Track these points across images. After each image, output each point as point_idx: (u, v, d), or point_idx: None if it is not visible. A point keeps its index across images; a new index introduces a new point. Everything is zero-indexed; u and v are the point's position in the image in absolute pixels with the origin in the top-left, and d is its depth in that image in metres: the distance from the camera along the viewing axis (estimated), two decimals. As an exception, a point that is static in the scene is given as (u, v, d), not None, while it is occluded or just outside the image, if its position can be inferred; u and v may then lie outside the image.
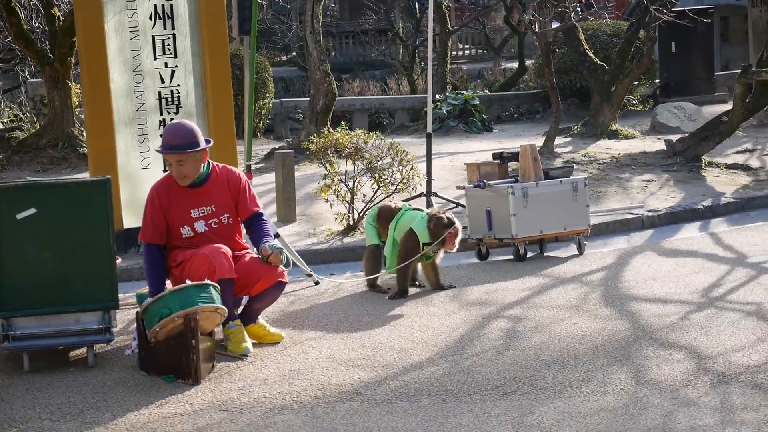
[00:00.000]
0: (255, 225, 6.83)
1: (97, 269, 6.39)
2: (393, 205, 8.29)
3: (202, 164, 6.73)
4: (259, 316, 6.86)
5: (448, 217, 7.89)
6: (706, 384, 5.72)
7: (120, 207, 8.99)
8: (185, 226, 6.71)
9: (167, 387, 6.00)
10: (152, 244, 6.73)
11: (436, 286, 8.05)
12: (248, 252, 6.90)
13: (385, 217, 8.18)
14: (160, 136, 9.14)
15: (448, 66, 21.66)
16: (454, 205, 10.76)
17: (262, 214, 6.89)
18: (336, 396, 5.78)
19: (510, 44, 26.59)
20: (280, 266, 6.70)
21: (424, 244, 7.85)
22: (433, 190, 10.38)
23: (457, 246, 7.94)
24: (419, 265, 8.12)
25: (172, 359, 6.10)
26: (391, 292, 7.96)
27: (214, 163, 6.93)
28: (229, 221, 6.82)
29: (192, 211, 6.73)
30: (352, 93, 22.16)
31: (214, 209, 6.77)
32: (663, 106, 17.21)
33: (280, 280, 6.75)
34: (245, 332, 6.66)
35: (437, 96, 18.04)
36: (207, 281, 6.33)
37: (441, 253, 8.07)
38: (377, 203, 8.58)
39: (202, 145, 6.70)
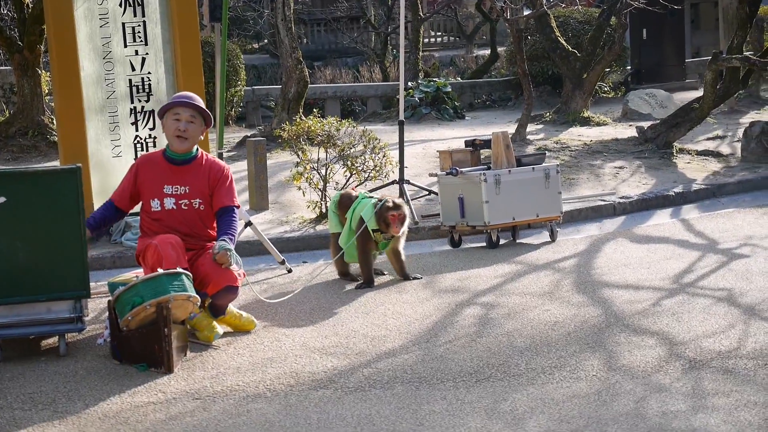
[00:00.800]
0: (223, 219, 6.77)
1: (69, 258, 6.35)
2: (353, 193, 8.27)
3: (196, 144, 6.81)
4: (230, 305, 6.83)
5: (394, 202, 7.85)
6: (677, 370, 5.75)
7: (91, 195, 8.94)
8: (155, 199, 6.73)
9: (140, 376, 5.98)
10: (113, 201, 6.90)
11: (401, 275, 8.03)
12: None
13: (345, 204, 8.16)
14: (131, 124, 9.11)
15: (421, 53, 21.66)
16: (427, 193, 10.77)
17: (233, 209, 6.80)
18: (309, 384, 5.78)
19: (482, 31, 26.61)
20: (230, 267, 6.58)
21: (373, 231, 7.82)
22: (405, 178, 10.39)
23: (403, 230, 7.84)
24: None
25: (144, 348, 6.08)
26: (357, 282, 7.95)
27: (203, 151, 6.93)
28: (200, 207, 6.77)
29: (166, 186, 6.73)
30: (325, 80, 22.12)
31: (187, 190, 6.74)
32: (634, 93, 17.28)
33: (228, 284, 6.57)
34: (212, 319, 6.64)
35: (409, 83, 18.03)
36: (180, 269, 6.30)
37: (402, 242, 8.02)
38: (341, 190, 8.55)
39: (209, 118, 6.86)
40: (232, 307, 6.84)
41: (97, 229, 6.86)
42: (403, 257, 8.05)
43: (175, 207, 6.73)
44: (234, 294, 6.67)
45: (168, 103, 6.85)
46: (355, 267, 8.20)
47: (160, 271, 6.22)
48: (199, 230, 6.79)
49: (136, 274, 6.71)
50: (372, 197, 8.11)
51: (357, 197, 8.13)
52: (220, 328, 6.64)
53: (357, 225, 7.89)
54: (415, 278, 8.02)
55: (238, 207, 6.87)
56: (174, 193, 6.74)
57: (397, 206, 7.81)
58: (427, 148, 13.57)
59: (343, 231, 8.06)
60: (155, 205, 6.72)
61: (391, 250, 8.00)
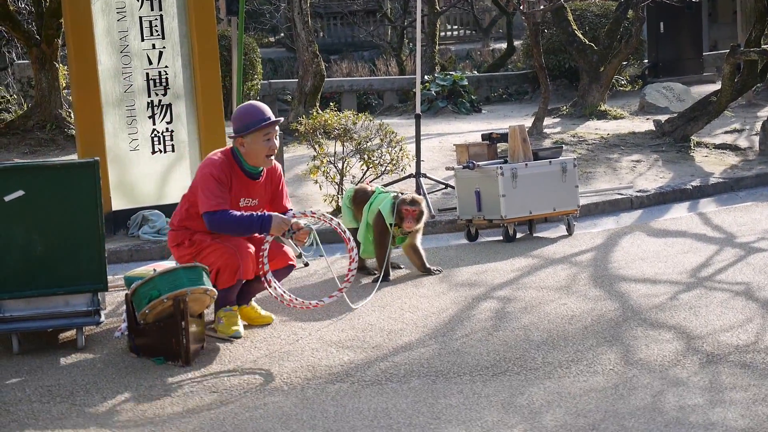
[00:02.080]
0: None
1: (86, 251, 6.37)
2: (369, 188, 8.22)
3: None
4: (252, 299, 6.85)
5: (412, 197, 7.82)
6: (695, 364, 5.73)
7: (108, 189, 8.99)
8: (243, 199, 6.61)
9: (157, 369, 6.00)
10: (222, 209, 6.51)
11: (422, 270, 7.99)
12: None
13: (360, 199, 8.11)
14: (149, 117, 9.12)
15: (437, 47, 21.63)
16: (444, 186, 10.75)
17: (290, 210, 6.83)
18: (326, 377, 5.78)
19: (498, 25, 26.56)
20: (300, 248, 6.64)
21: (391, 225, 7.78)
22: (422, 172, 10.38)
23: (417, 225, 7.80)
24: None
25: (161, 341, 6.09)
26: (374, 276, 7.94)
27: None
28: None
29: (241, 200, 6.61)
30: (341, 74, 22.12)
31: (257, 203, 6.67)
32: (652, 87, 17.22)
33: (290, 263, 6.79)
34: (239, 317, 6.64)
35: (426, 77, 18.01)
36: (197, 263, 6.32)
37: (418, 237, 7.98)
38: (355, 185, 8.52)
39: None
40: (253, 302, 6.86)
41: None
42: (421, 252, 8.03)
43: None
44: (288, 274, 6.88)
45: (257, 121, 6.52)
46: (372, 261, 8.19)
47: (177, 264, 6.24)
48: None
49: (154, 267, 6.72)
50: (390, 192, 8.09)
51: (373, 192, 8.10)
52: (242, 328, 6.61)
53: (375, 219, 7.87)
54: (437, 271, 8.01)
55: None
56: (246, 205, 6.64)
57: (414, 201, 7.78)
58: (443, 141, 13.56)
59: (360, 226, 8.04)
60: (243, 203, 6.62)
61: (408, 245, 7.98)
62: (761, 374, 5.51)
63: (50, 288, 6.33)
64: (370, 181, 9.93)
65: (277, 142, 6.60)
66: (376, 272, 8.00)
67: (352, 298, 7.39)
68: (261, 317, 6.83)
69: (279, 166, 6.85)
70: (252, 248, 6.55)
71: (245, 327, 6.68)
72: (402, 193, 7.89)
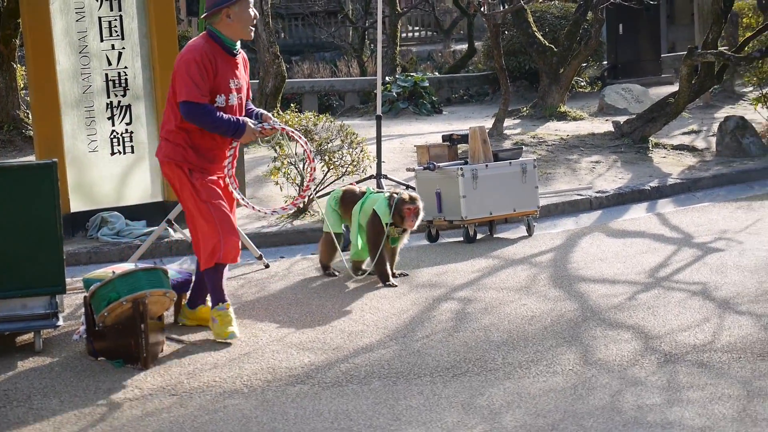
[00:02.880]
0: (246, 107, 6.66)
1: (44, 253, 6.31)
2: (357, 189, 8.12)
3: None
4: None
5: (410, 195, 7.78)
6: (653, 363, 5.77)
7: (67, 190, 8.92)
8: (221, 95, 6.35)
9: (116, 372, 5.95)
10: (203, 102, 6.25)
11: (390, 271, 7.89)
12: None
13: (349, 200, 8.01)
14: (108, 118, 9.06)
15: (398, 48, 21.64)
16: (405, 187, 10.75)
17: (254, 110, 6.70)
18: (286, 379, 5.76)
19: (459, 26, 26.60)
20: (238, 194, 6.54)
21: (386, 224, 7.70)
22: (383, 173, 10.37)
23: (417, 223, 7.80)
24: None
25: (120, 344, 6.05)
26: (382, 281, 7.73)
27: None
28: (244, 98, 6.58)
29: (230, 80, 6.38)
30: (302, 75, 22.07)
31: (241, 84, 6.48)
32: (611, 88, 17.31)
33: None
34: (233, 316, 6.51)
35: (387, 78, 18.01)
36: (156, 266, 6.28)
37: (405, 239, 7.92)
38: (341, 187, 8.40)
39: None
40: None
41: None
42: (397, 256, 7.98)
43: (236, 103, 6.44)
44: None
45: None
46: (335, 262, 8.16)
47: (136, 266, 6.20)
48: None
49: (113, 269, 6.67)
50: (382, 192, 8.03)
51: (363, 193, 8.01)
52: (237, 329, 6.48)
53: (370, 220, 7.77)
54: (402, 274, 7.94)
55: None
56: (236, 87, 6.41)
57: (413, 200, 7.75)
58: (404, 142, 13.57)
59: (352, 227, 7.93)
60: (221, 101, 6.34)
61: (395, 245, 7.87)
62: (717, 373, 5.55)
63: (7, 290, 6.27)
64: (333, 182, 9.92)
65: (256, 12, 6.49)
66: (338, 273, 7.97)
67: (312, 299, 7.38)
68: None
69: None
70: (236, 227, 6.45)
71: (203, 329, 6.64)
72: (396, 193, 7.81)
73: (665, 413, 5.05)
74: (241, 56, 6.49)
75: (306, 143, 6.77)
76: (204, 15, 6.40)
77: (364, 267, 8.00)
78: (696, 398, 5.22)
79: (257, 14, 6.47)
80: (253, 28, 6.44)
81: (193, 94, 6.20)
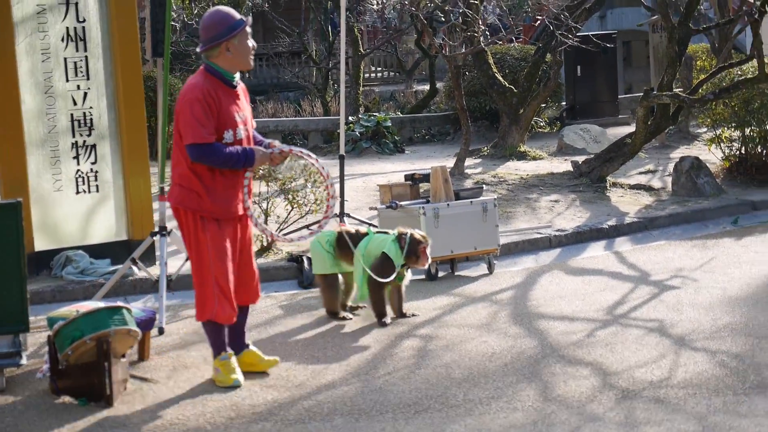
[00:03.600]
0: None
1: (8, 292, 6.26)
2: (354, 231, 7.92)
3: None
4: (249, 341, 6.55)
5: (420, 234, 7.71)
6: (611, 399, 5.79)
7: (31, 229, 8.85)
8: (229, 130, 6.13)
9: (79, 410, 5.90)
10: (210, 142, 6.06)
11: (399, 314, 7.74)
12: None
13: (347, 243, 7.78)
14: (73, 158, 9.01)
15: (361, 88, 21.73)
16: (368, 226, 10.76)
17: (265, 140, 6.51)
18: (249, 417, 5.74)
19: (421, 67, 26.75)
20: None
21: (400, 266, 7.55)
22: (346, 212, 10.38)
23: (429, 260, 7.74)
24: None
25: (84, 382, 6.00)
26: (378, 322, 7.61)
27: None
28: (251, 129, 6.40)
29: (235, 114, 6.19)
30: (266, 115, 22.08)
31: (247, 115, 6.31)
32: (569, 128, 17.44)
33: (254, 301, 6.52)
34: (236, 363, 6.34)
35: (350, 118, 18.06)
36: (120, 304, 6.24)
37: (408, 277, 7.80)
38: (335, 229, 8.09)
39: None
40: (253, 346, 6.56)
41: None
42: (404, 294, 7.84)
43: (244, 135, 6.23)
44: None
45: (238, 21, 6.14)
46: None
47: (101, 305, 6.16)
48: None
49: (77, 308, 6.62)
50: (387, 232, 7.82)
51: (365, 234, 7.79)
52: (240, 375, 6.31)
53: (378, 262, 7.56)
54: (413, 315, 7.78)
55: None
56: (241, 120, 6.22)
57: (424, 238, 7.70)
58: (367, 181, 13.59)
59: (356, 270, 7.70)
60: (229, 136, 6.12)
61: (395, 285, 7.72)
62: (674, 409, 5.59)
63: (-29, 329, 6.21)
64: (296, 220, 9.90)
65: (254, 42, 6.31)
66: (350, 318, 7.78)
67: (276, 336, 7.35)
68: (264, 362, 6.50)
69: None
70: (232, 286, 6.23)
71: (166, 367, 6.59)
72: (404, 234, 7.66)
73: (623, 449, 5.07)
74: (241, 87, 6.33)
75: (317, 160, 6.46)
76: (202, 49, 6.22)
77: (359, 305, 7.93)
78: (653, 434, 5.25)
79: (255, 44, 6.30)
80: (251, 57, 6.25)
81: (198, 135, 6.00)
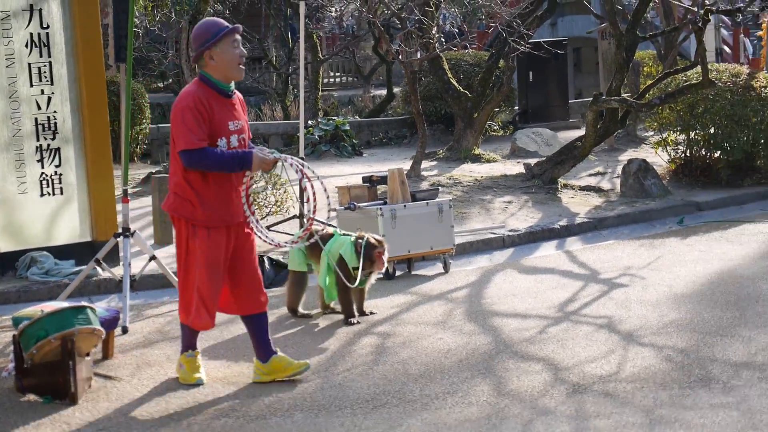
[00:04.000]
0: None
1: (-26, 293, 6.20)
2: (322, 230, 7.92)
3: None
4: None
5: (376, 239, 7.65)
6: (562, 394, 5.83)
7: (-3, 231, 8.76)
8: (222, 138, 5.98)
9: (44, 408, 5.86)
10: (203, 147, 5.91)
11: (360, 313, 7.73)
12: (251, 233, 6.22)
13: (316, 243, 7.63)
14: (37, 161, 8.94)
15: (320, 93, 21.72)
16: (326, 226, 10.76)
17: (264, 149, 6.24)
18: (212, 413, 5.72)
19: (379, 72, 26.77)
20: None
21: (353, 269, 7.54)
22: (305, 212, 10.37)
23: (385, 264, 7.68)
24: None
25: (49, 380, 5.96)
26: (345, 321, 7.60)
27: None
28: (246, 138, 6.21)
29: (229, 123, 6.03)
30: (228, 119, 21.98)
31: (242, 124, 6.14)
32: (522, 132, 17.52)
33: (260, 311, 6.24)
34: (201, 363, 6.31)
35: (309, 122, 18.04)
36: (84, 304, 6.21)
37: (372, 279, 7.77)
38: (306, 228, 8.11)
39: None
40: (281, 351, 6.33)
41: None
42: (366, 294, 7.83)
43: (238, 144, 6.07)
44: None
45: (222, 28, 5.99)
46: (303, 303, 7.99)
47: (65, 305, 6.12)
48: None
49: (41, 308, 6.57)
50: (349, 235, 7.81)
51: (331, 234, 7.78)
52: (204, 374, 6.24)
53: (338, 263, 7.56)
54: (371, 313, 7.80)
55: None
56: (235, 129, 6.05)
57: (381, 243, 7.63)
58: (326, 183, 13.54)
59: (321, 270, 7.71)
60: (222, 144, 5.98)
61: (358, 287, 7.69)
62: (622, 402, 5.64)
63: (-63, 329, 6.14)
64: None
65: (244, 51, 6.09)
66: (311, 316, 7.79)
67: (237, 334, 7.33)
68: (294, 365, 6.25)
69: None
70: (217, 295, 6.10)
71: (131, 365, 6.56)
72: (361, 237, 7.63)
73: (574, 441, 5.10)
74: (237, 97, 6.18)
75: (308, 167, 6.24)
76: (192, 60, 6.12)
77: (332, 305, 7.89)
78: (602, 426, 5.29)
79: (244, 52, 6.08)
80: (243, 67, 6.06)
81: (189, 141, 5.86)
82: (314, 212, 6.27)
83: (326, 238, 7.78)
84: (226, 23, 6.09)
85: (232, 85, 6.13)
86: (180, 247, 6.16)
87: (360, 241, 7.61)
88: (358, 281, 7.53)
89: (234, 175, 6.07)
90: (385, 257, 7.68)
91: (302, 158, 6.31)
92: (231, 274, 6.16)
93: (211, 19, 6.14)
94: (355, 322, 7.58)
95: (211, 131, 5.94)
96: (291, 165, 6.09)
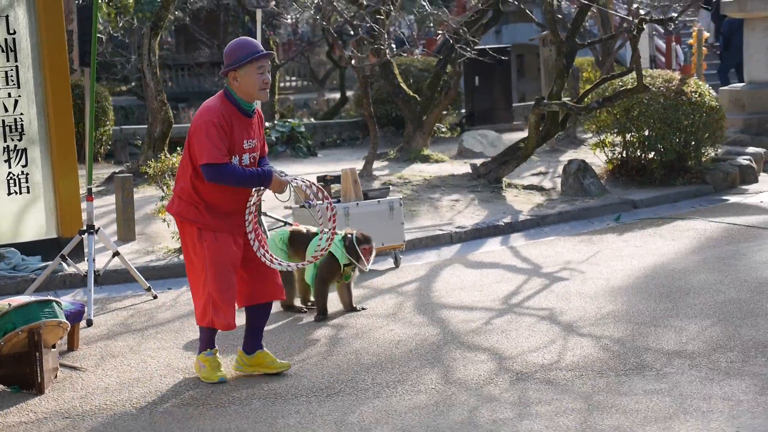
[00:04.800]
0: (260, 162, 6.20)
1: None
2: (305, 230, 7.80)
3: None
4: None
5: (363, 235, 7.58)
6: (506, 381, 5.88)
7: (-35, 228, 8.67)
8: (235, 156, 5.90)
9: (12, 397, 5.81)
10: (224, 162, 5.82)
11: (350, 308, 7.68)
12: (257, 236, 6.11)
13: (299, 241, 7.68)
14: (5, 161, 8.84)
15: (277, 96, 21.64)
16: (283, 224, 10.74)
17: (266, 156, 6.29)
18: (173, 402, 5.70)
19: (332, 77, 26.72)
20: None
21: (344, 265, 7.46)
22: (263, 210, 10.34)
23: (371, 262, 7.60)
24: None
25: (17, 371, 5.91)
26: (315, 316, 7.53)
27: None
28: (257, 156, 6.14)
29: (245, 141, 5.95)
30: (188, 120, 21.86)
31: (256, 143, 6.04)
32: (468, 134, 17.57)
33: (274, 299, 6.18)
34: (220, 362, 6.13)
35: (267, 124, 17.99)
36: (50, 298, 6.16)
37: (355, 274, 7.71)
38: (288, 228, 8.00)
39: None
40: (266, 348, 6.27)
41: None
42: (352, 290, 7.77)
43: (249, 163, 5.99)
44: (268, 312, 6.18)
45: (249, 53, 5.89)
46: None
47: (31, 298, 6.06)
48: None
49: (8, 301, 6.50)
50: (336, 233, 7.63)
51: (314, 233, 7.59)
52: (224, 371, 6.10)
53: (326, 260, 7.41)
54: (362, 308, 7.72)
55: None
56: (249, 148, 5.98)
57: (368, 239, 7.55)
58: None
59: (307, 268, 7.57)
60: (235, 161, 5.90)
61: (344, 284, 7.65)
62: (562, 389, 5.69)
63: None
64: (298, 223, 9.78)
65: (269, 76, 6.00)
66: (305, 312, 7.69)
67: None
68: (276, 364, 6.19)
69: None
70: (234, 294, 5.98)
71: (100, 356, 6.52)
72: (350, 234, 7.56)
73: (517, 426, 5.15)
74: (257, 115, 6.11)
75: (319, 188, 6.22)
76: (221, 73, 6.05)
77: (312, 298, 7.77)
78: (544, 412, 5.34)
79: (268, 79, 5.98)
80: (266, 91, 5.97)
81: (214, 155, 5.76)
82: (333, 234, 6.23)
83: (309, 237, 7.66)
84: (258, 47, 5.97)
85: (254, 104, 6.05)
86: (187, 252, 6.04)
87: (349, 237, 7.54)
88: (344, 277, 7.49)
89: (242, 189, 6.00)
90: (372, 255, 7.58)
91: (310, 181, 6.21)
92: (245, 267, 6.06)
93: (243, 41, 6.00)
94: (321, 318, 7.44)
95: (228, 147, 5.87)
96: (301, 186, 6.09)
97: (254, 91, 5.93)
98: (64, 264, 8.55)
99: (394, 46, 15.71)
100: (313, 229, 7.81)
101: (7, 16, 8.81)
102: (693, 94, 13.03)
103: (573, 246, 10.11)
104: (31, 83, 8.97)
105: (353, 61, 14.90)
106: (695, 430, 5.00)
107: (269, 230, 10.27)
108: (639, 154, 13.35)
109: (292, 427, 5.25)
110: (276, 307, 7.30)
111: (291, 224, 9.27)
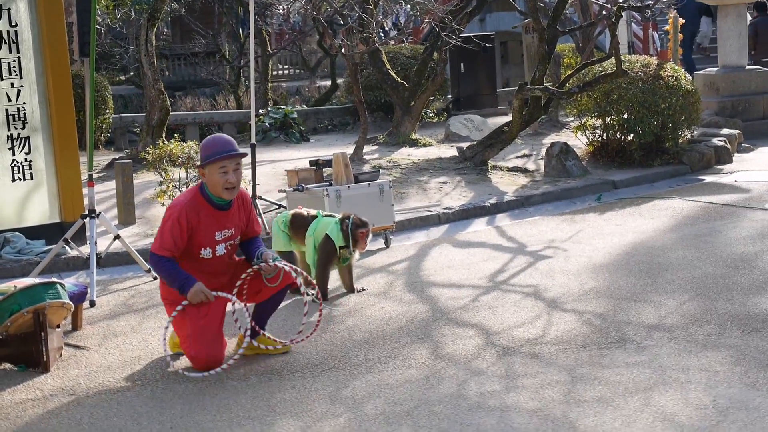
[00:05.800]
0: (251, 242, 6.09)
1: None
2: (305, 213, 7.73)
3: None
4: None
5: (360, 219, 7.49)
6: (493, 356, 5.89)
7: (-30, 214, 8.64)
8: (207, 248, 5.82)
9: (19, 375, 5.81)
10: (174, 258, 5.76)
11: (350, 289, 7.62)
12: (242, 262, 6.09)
13: (299, 224, 7.63)
14: (9, 149, 8.80)
15: (270, 84, 21.58)
16: (277, 207, 10.74)
17: (259, 235, 6.15)
18: (173, 379, 5.70)
19: (323, 65, 26.65)
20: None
21: (341, 248, 7.40)
22: (257, 194, 10.34)
23: (367, 245, 7.53)
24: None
25: (23, 350, 5.91)
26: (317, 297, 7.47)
27: None
28: (238, 241, 6.04)
29: (217, 233, 5.83)
30: (185, 108, 21.80)
31: (233, 232, 5.92)
32: (455, 118, 17.55)
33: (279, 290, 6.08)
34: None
35: (260, 110, 17.94)
36: (54, 280, 6.14)
37: (356, 256, 7.63)
38: (289, 211, 7.91)
39: None
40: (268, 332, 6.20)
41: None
42: (353, 271, 7.69)
43: (225, 251, 5.91)
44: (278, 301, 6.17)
45: (213, 153, 5.75)
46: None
47: (36, 280, 6.05)
48: (233, 262, 6.09)
49: (14, 284, 6.49)
50: (333, 216, 7.64)
51: (314, 216, 7.59)
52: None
53: (322, 243, 7.39)
54: (363, 290, 7.66)
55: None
56: (224, 237, 5.86)
57: (364, 224, 7.46)
58: (276, 167, 13.53)
59: (307, 251, 7.53)
60: (206, 253, 5.82)
61: (346, 265, 7.59)
62: (547, 363, 5.70)
63: None
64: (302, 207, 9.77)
65: (234, 177, 5.76)
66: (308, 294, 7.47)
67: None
68: (278, 349, 6.10)
69: (246, 192, 6.12)
70: (219, 326, 5.90)
71: (103, 334, 6.50)
72: (347, 217, 7.48)
73: (504, 398, 5.16)
74: (236, 202, 5.91)
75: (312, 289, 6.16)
76: (197, 167, 5.97)
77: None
78: (529, 385, 5.35)
79: (233, 179, 5.76)
80: (231, 191, 5.77)
81: (158, 246, 5.71)
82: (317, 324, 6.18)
83: (309, 219, 7.62)
84: (226, 148, 5.79)
85: (232, 194, 5.85)
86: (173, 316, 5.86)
87: (346, 221, 7.49)
88: (341, 259, 7.45)
89: (227, 264, 5.96)
90: (369, 238, 7.52)
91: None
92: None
93: (213, 139, 5.86)
94: (327, 299, 7.34)
95: (194, 242, 5.76)
96: (295, 271, 5.99)
97: (218, 190, 5.77)
98: (67, 247, 8.53)
99: (382, 34, 15.66)
100: (313, 212, 7.79)
101: (9, 9, 8.77)
102: (670, 78, 13.03)
103: (556, 225, 10.12)
104: (33, 74, 8.94)
105: (343, 50, 14.86)
106: (674, 400, 5.02)
107: (264, 213, 10.28)
108: (619, 136, 13.35)
109: (288, 402, 5.25)
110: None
111: (285, 207, 9.26)
